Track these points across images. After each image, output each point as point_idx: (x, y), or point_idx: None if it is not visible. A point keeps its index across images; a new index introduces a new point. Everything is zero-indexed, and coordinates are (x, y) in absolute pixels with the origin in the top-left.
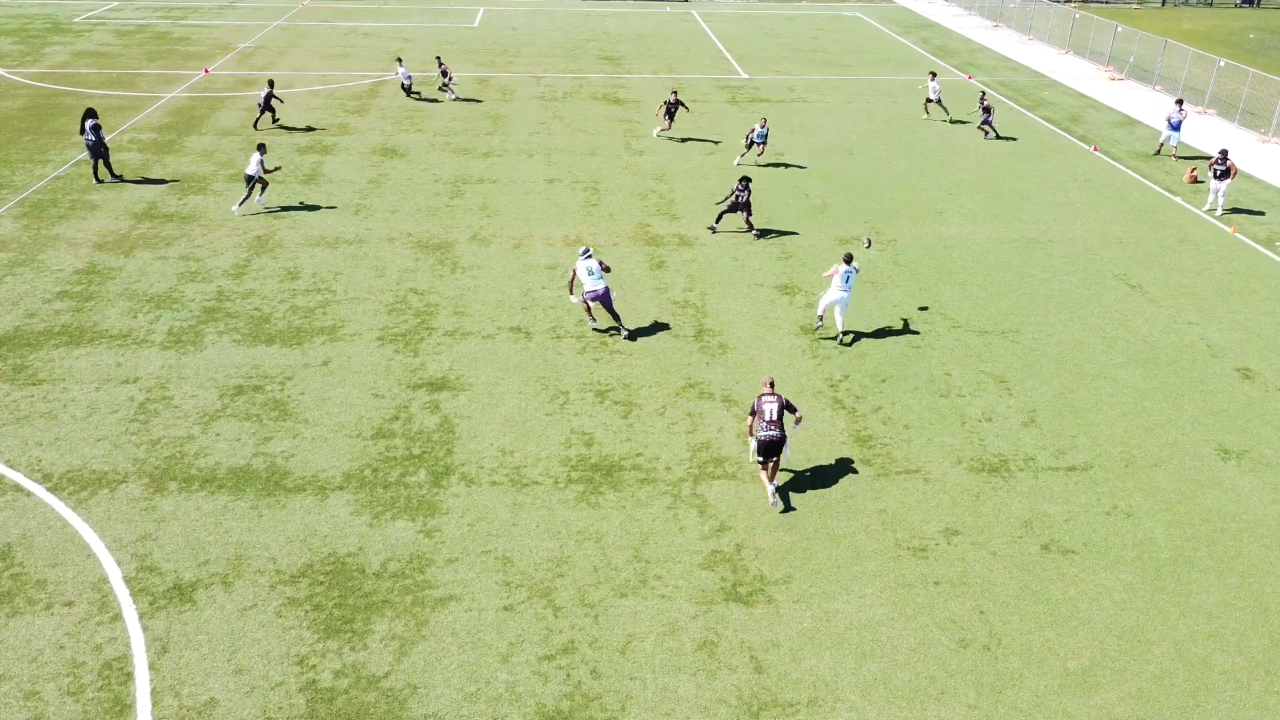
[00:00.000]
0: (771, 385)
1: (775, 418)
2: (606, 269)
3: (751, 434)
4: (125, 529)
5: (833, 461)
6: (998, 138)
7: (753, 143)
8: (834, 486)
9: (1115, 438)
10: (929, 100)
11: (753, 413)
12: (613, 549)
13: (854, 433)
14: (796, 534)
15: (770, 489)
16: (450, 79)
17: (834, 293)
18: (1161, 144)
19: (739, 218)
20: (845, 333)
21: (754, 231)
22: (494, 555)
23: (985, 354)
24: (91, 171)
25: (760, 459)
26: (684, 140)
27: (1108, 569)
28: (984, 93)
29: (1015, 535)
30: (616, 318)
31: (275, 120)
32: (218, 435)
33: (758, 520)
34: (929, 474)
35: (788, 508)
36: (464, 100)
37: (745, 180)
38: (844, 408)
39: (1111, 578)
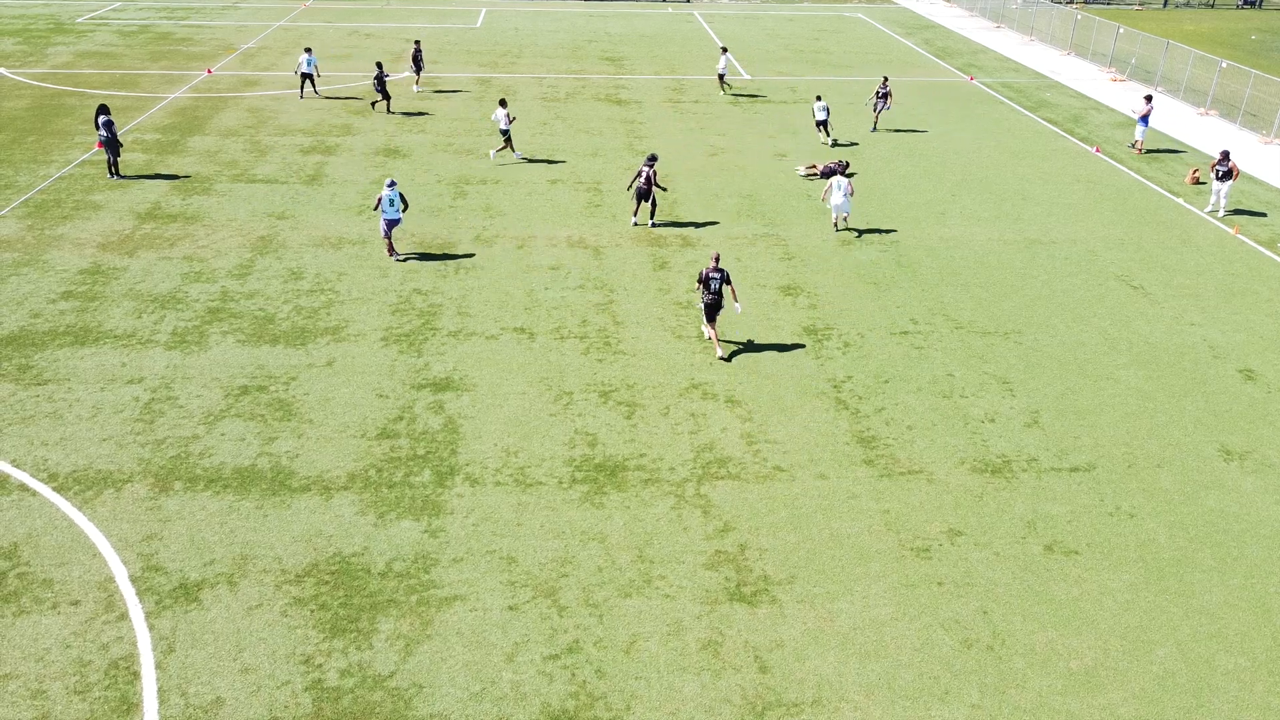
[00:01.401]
0: (717, 259)
1: (718, 290)
2: (405, 205)
3: (700, 300)
4: (131, 528)
5: (836, 462)
6: (874, 127)
7: (820, 122)
8: (838, 487)
9: (1118, 439)
10: (720, 75)
11: (701, 282)
12: (617, 549)
13: (857, 433)
14: (800, 534)
15: (720, 353)
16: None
17: (835, 199)
18: (1139, 141)
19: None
20: (851, 228)
21: (642, 216)
22: (498, 555)
23: (988, 355)
24: (107, 167)
25: (708, 319)
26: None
27: (1111, 569)
28: (885, 78)
29: (1018, 536)
30: (392, 247)
31: (390, 109)
32: (222, 435)
33: (761, 521)
34: (932, 475)
35: (730, 357)
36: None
37: (650, 159)
38: (847, 408)
39: (1114, 578)
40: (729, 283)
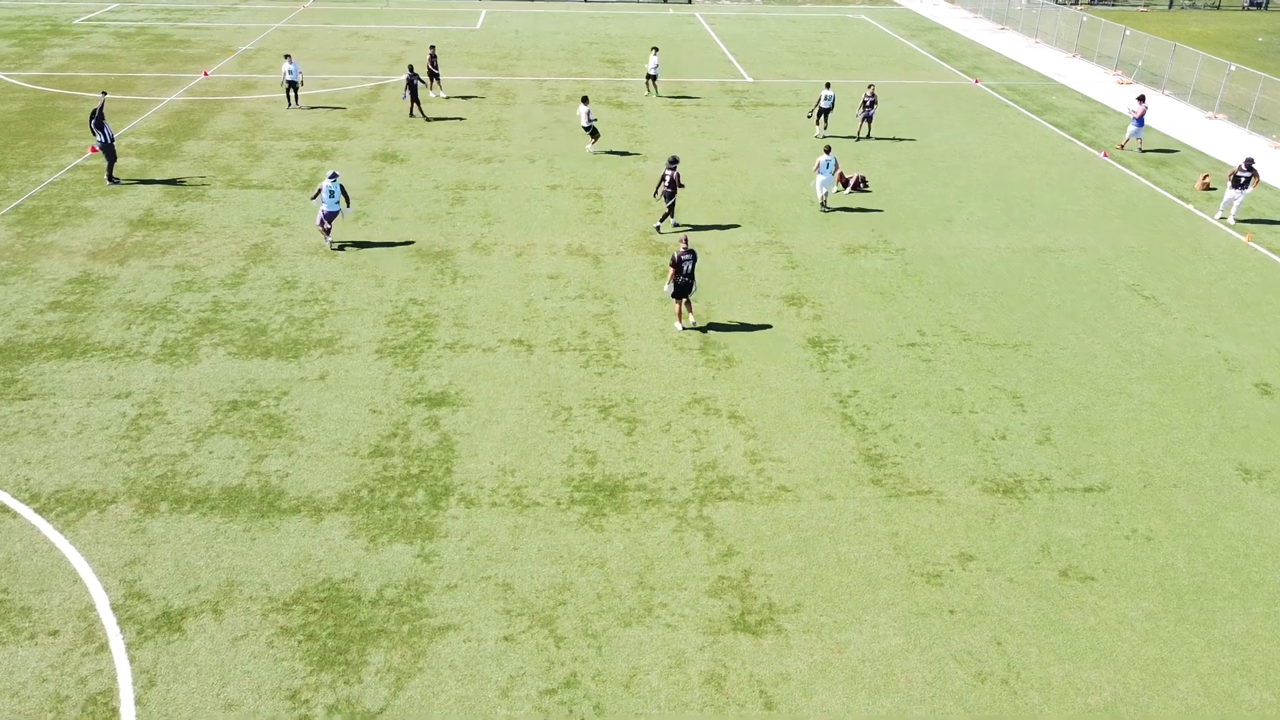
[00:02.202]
0: (686, 241)
1: (690, 271)
2: (346, 198)
3: (671, 280)
4: (114, 552)
5: (843, 482)
6: (866, 136)
7: (823, 111)
8: (845, 508)
9: (1132, 456)
10: (649, 76)
11: (673, 265)
12: (616, 575)
13: (864, 451)
14: (807, 559)
15: (679, 326)
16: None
17: (820, 178)
18: (1135, 139)
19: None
20: (829, 208)
21: (662, 222)
22: (494, 581)
23: (997, 368)
24: (106, 173)
25: (674, 297)
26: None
27: (1128, 597)
28: (871, 85)
29: (1032, 560)
30: (328, 232)
31: (424, 117)
32: (211, 453)
33: (766, 544)
34: (942, 495)
35: (698, 329)
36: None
37: (672, 161)
38: (854, 424)
39: (1132, 606)
40: (695, 260)
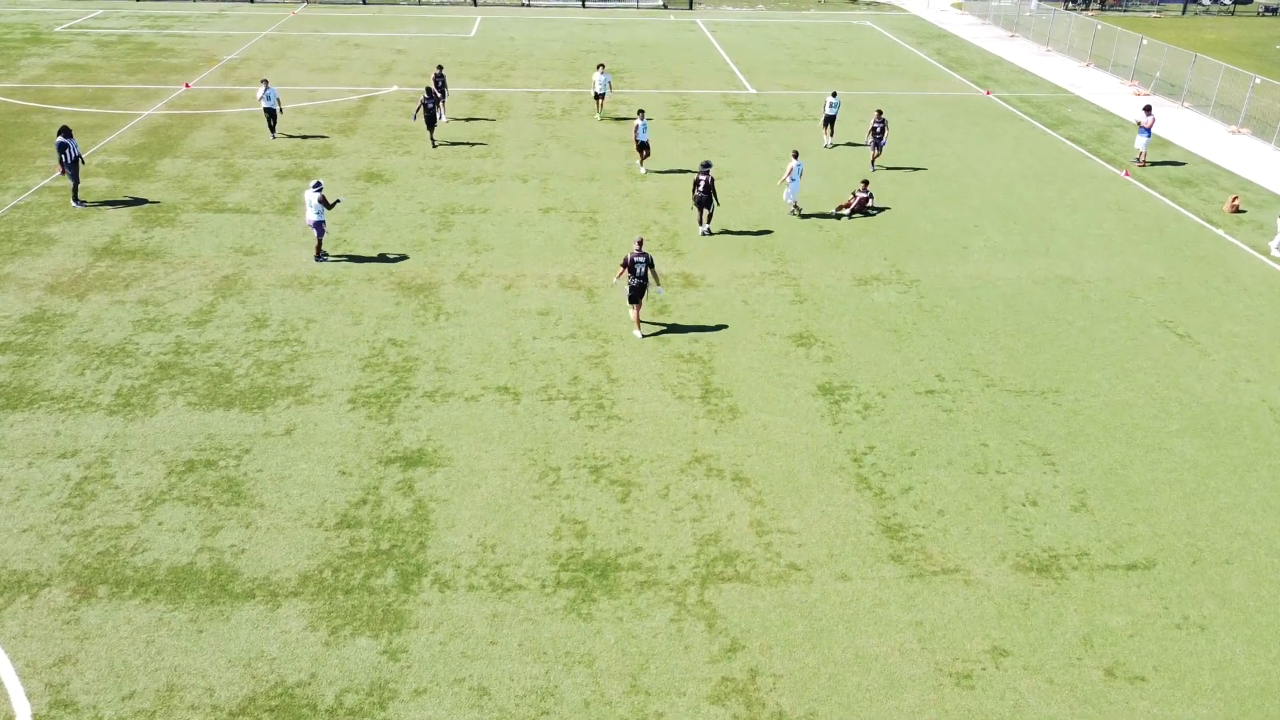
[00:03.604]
0: (641, 244)
1: (643, 274)
2: (328, 205)
3: (626, 284)
4: (42, 650)
5: (859, 558)
6: (872, 162)
7: (829, 119)
8: (862, 592)
9: (1178, 526)
10: (597, 95)
11: (625, 266)
12: (606, 676)
13: (882, 520)
14: (820, 655)
15: (638, 332)
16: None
17: (790, 184)
18: (1142, 153)
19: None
20: (803, 214)
21: (707, 224)
22: (468, 685)
23: (1024, 419)
24: (72, 194)
25: (630, 301)
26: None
27: (1185, 701)
28: (880, 111)
29: (1074, 656)
30: (320, 244)
31: (434, 142)
32: (160, 525)
33: (775, 636)
34: (970, 574)
35: (648, 336)
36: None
37: (705, 165)
38: (870, 488)
39: (1189, 712)
40: (652, 267)
